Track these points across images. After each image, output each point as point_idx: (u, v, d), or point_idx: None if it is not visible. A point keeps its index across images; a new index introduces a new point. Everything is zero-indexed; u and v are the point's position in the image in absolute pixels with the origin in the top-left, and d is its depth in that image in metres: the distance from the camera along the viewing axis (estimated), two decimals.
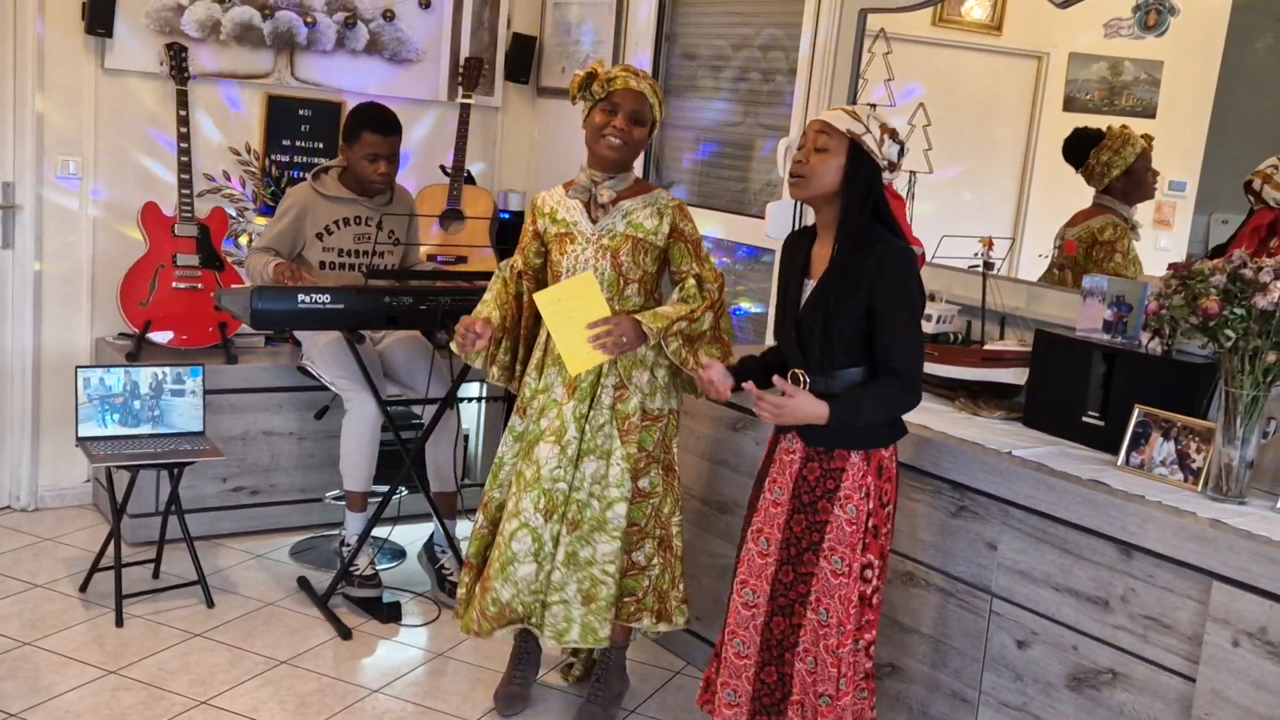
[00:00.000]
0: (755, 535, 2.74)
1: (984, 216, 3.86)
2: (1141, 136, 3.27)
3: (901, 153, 2.62)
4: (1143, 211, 3.35)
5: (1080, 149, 3.35)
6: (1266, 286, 2.36)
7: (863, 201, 2.57)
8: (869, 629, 2.67)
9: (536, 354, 3.14)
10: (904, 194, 3.50)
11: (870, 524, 2.62)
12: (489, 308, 3.17)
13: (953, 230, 3.47)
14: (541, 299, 2.97)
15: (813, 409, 2.54)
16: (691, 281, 3.07)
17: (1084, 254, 3.36)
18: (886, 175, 2.63)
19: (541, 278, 3.18)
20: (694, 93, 4.61)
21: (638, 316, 2.97)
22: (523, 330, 3.21)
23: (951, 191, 3.81)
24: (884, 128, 2.58)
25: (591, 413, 3.05)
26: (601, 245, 3.05)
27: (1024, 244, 3.71)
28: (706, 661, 3.01)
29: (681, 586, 3.20)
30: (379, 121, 4.02)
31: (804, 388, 2.63)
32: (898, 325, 2.55)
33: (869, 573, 2.64)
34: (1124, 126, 3.30)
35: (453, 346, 3.19)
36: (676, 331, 2.99)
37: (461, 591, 3.24)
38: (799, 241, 2.76)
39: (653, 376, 3.09)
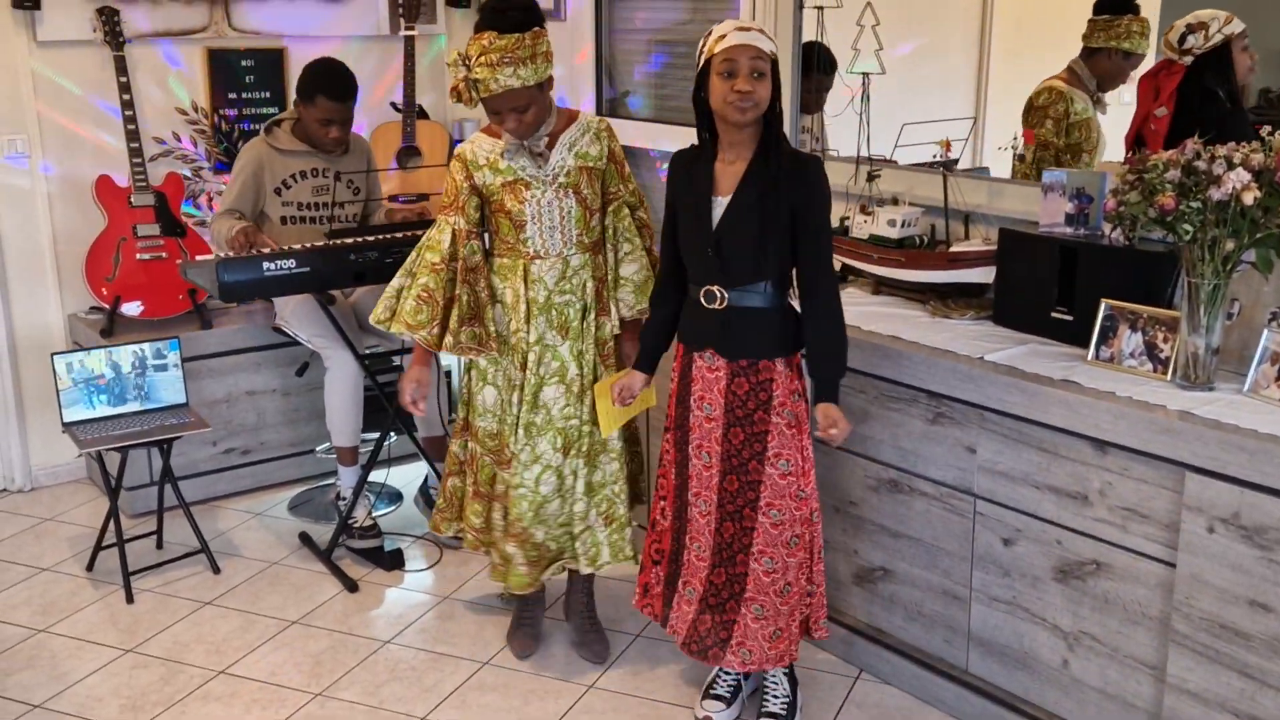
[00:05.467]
0: (697, 451, 2.84)
1: (943, 92, 3.80)
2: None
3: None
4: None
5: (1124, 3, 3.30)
6: (1220, 178, 2.37)
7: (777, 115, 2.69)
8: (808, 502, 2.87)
9: (520, 308, 3.07)
10: (859, 97, 3.46)
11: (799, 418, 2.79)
12: (433, 326, 3.05)
13: (911, 116, 3.43)
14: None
15: (836, 409, 2.71)
16: (626, 213, 3.13)
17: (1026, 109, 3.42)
18: None
19: (483, 230, 3.13)
20: None
21: (626, 335, 3.15)
22: (482, 295, 3.10)
23: (908, 69, 3.74)
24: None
25: (584, 347, 3.10)
26: (561, 184, 3.03)
27: (986, 123, 3.67)
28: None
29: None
30: (335, 86, 3.92)
31: (721, 305, 2.72)
32: (825, 239, 2.70)
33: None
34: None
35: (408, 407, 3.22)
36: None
37: (479, 521, 3.25)
38: (695, 161, 2.77)
39: (608, 292, 3.16)
